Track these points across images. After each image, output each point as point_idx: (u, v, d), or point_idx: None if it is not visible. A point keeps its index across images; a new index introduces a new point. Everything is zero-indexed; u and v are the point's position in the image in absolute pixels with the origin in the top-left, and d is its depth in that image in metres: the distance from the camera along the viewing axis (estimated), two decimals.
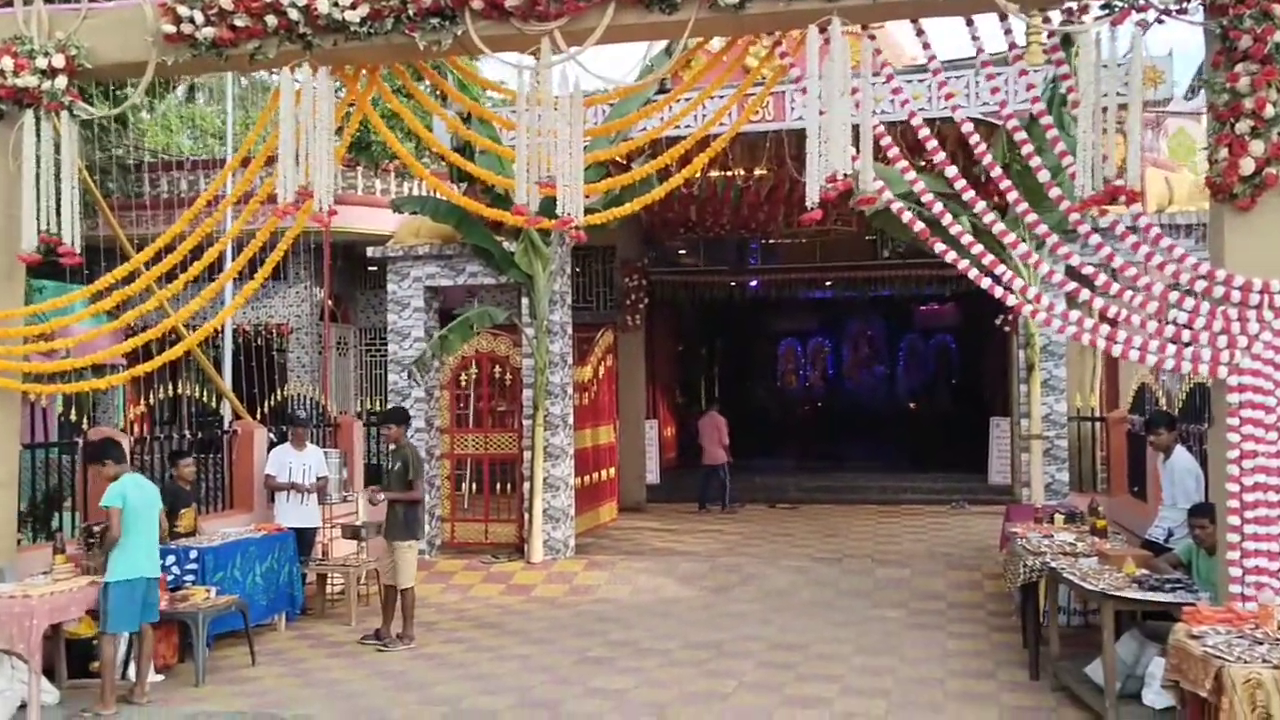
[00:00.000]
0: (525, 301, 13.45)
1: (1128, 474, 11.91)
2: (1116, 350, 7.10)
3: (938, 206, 8.93)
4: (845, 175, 7.53)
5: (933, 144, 8.88)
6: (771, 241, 19.99)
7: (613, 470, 16.42)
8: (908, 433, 28.76)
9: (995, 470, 18.59)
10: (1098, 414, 12.78)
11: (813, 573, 12.49)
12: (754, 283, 29.67)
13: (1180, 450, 8.75)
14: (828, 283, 30.54)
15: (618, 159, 12.64)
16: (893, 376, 35.32)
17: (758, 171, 13.83)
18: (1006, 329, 17.04)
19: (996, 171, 8.68)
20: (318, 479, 11.26)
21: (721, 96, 12.85)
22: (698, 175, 13.70)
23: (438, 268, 13.86)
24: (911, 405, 32.45)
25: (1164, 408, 11.18)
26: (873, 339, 36.00)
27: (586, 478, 14.99)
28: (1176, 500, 8.51)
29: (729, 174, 13.94)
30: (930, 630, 10.21)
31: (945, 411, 30.09)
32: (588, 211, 12.79)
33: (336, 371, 21.73)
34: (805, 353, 36.12)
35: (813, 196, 7.60)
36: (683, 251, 20.44)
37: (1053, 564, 8.01)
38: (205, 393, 12.59)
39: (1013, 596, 9.36)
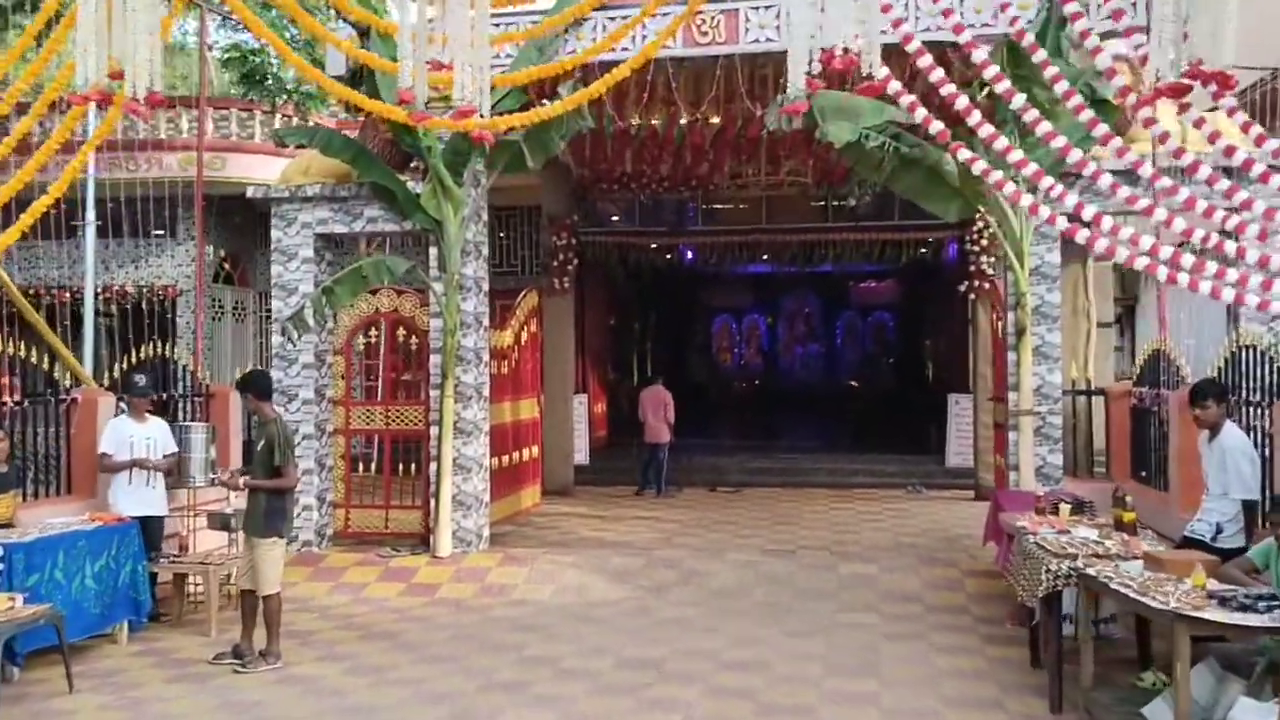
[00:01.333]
0: (434, 252, 11.39)
1: (1130, 456, 10.25)
2: (1205, 287, 5.29)
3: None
4: (847, 50, 5.62)
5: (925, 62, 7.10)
6: (713, 206, 18.08)
7: (536, 449, 14.42)
8: (851, 412, 27.26)
9: (954, 452, 16.94)
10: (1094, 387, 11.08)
11: (764, 568, 10.63)
12: (689, 254, 27.91)
13: (1230, 427, 7.00)
14: (764, 256, 28.96)
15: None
16: (831, 354, 33.97)
17: (704, 110, 11.89)
18: (973, 296, 15.41)
19: (1009, 92, 6.95)
20: (165, 456, 9.13)
21: (666, 14, 10.91)
22: (636, 114, 11.75)
23: (330, 211, 11.71)
24: (853, 384, 30.97)
25: (1184, 378, 9.53)
26: (809, 316, 34.59)
27: (505, 458, 13.00)
28: (1229, 488, 6.78)
29: (671, 108, 11.99)
30: (911, 641, 8.41)
31: (889, 390, 28.61)
32: (504, 150, 10.92)
33: (234, 339, 19.44)
34: (741, 329, 34.60)
35: (798, 80, 5.70)
36: (616, 218, 18.41)
37: (1088, 570, 6.22)
38: (45, 357, 10.34)
39: (1022, 607, 7.58)
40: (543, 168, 15.24)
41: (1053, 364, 10.25)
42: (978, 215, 15.22)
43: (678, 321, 31.63)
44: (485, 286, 11.71)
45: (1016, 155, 7.15)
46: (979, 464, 15.34)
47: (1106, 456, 10.60)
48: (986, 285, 15.25)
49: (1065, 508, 8.43)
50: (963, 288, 15.52)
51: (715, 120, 12.14)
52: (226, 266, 19.49)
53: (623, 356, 25.34)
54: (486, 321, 11.76)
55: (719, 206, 18.25)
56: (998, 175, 7.16)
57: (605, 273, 21.10)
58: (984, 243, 15.26)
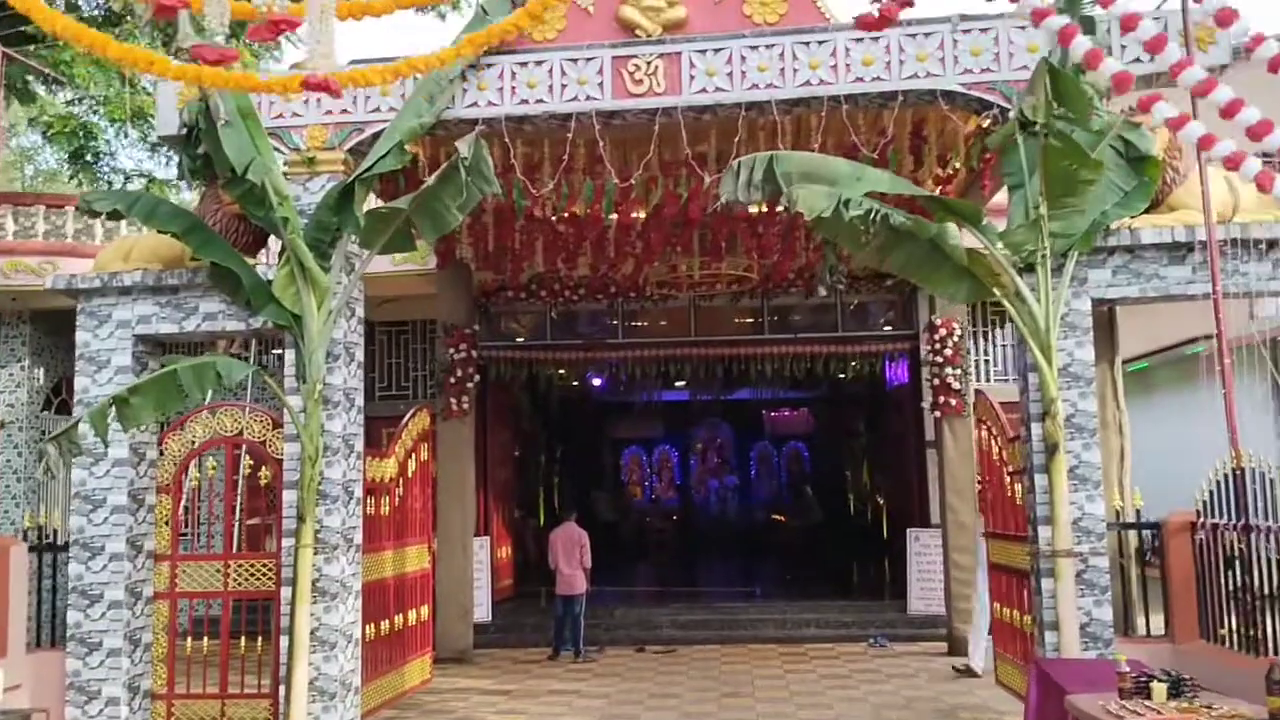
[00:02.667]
0: (290, 357, 8.70)
1: (1197, 609, 7.88)
2: None
3: None
4: None
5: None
6: (634, 324, 15.66)
7: (426, 610, 11.44)
8: (783, 549, 24.83)
9: (917, 596, 14.42)
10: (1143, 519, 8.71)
11: None
12: (598, 381, 25.64)
13: None
14: (689, 374, 26.99)
15: None
16: (747, 487, 31.74)
17: (636, 175, 9.55)
18: (937, 414, 13.18)
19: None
20: None
21: (591, 58, 8.68)
22: (551, 184, 9.39)
23: (155, 306, 8.91)
24: (777, 517, 28.58)
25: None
26: (723, 447, 32.40)
27: (384, 624, 10.06)
28: None
29: (595, 178, 9.61)
30: None
31: (818, 524, 26.22)
32: (384, 222, 8.43)
33: (66, 480, 16.13)
34: (652, 462, 32.19)
35: None
36: (521, 339, 15.83)
37: None
38: None
39: None
40: (441, 264, 12.77)
41: (1092, 490, 7.89)
42: (940, 323, 13.25)
43: (586, 454, 29.09)
44: (358, 401, 9.01)
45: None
46: (952, 612, 12.87)
47: (1166, 609, 8.20)
48: (953, 401, 13.07)
49: (1159, 687, 6.00)
50: (926, 404, 13.31)
51: (653, 190, 9.80)
52: (58, 394, 16.33)
53: (529, 492, 22.55)
54: (360, 447, 9.03)
55: (639, 325, 15.86)
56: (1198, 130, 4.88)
57: (510, 397, 18.47)
58: (948, 351, 13.13)
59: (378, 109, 8.79)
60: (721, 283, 13.64)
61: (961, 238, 7.82)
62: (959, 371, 13.08)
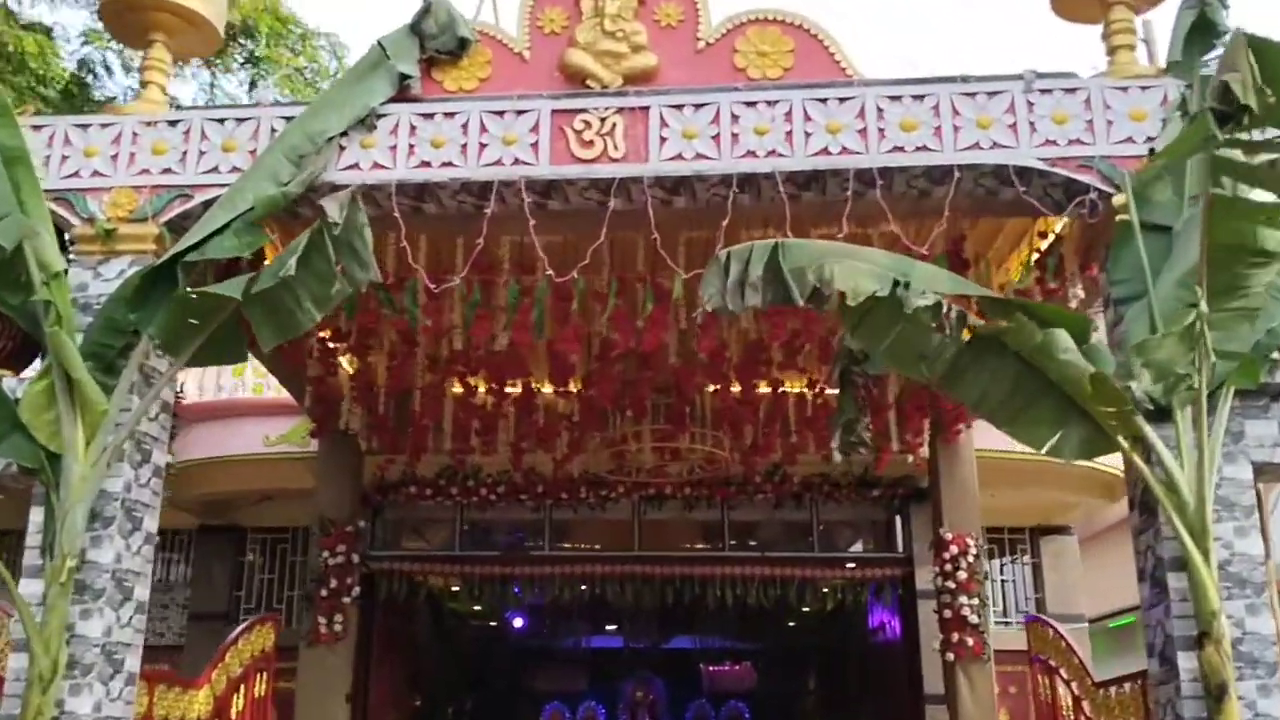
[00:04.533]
0: (40, 518, 5.61)
1: None
2: None
3: None
4: None
5: None
6: (564, 521, 12.59)
7: None
8: None
9: None
10: None
11: None
12: (520, 622, 22.22)
13: None
14: (611, 626, 23.51)
15: None
16: None
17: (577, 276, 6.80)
18: (949, 657, 10.14)
19: None
20: None
21: (525, 110, 6.17)
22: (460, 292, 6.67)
23: None
24: None
25: None
26: (655, 704, 28.54)
27: None
28: None
29: (528, 276, 6.83)
30: None
31: None
32: (202, 312, 5.36)
33: None
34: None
35: None
36: (422, 549, 12.64)
37: None
38: None
39: None
40: (318, 431, 9.72)
41: None
42: (951, 539, 10.43)
43: (500, 707, 25.18)
44: (140, 594, 5.84)
45: None
46: None
47: None
48: (970, 641, 10.08)
49: None
50: (936, 646, 10.28)
51: (598, 312, 7.02)
52: None
53: None
54: (136, 665, 5.80)
55: (571, 538, 12.82)
56: None
57: (408, 627, 15.00)
58: (961, 575, 10.24)
59: (215, 169, 6.12)
60: (680, 472, 10.71)
61: None
62: (976, 602, 10.16)
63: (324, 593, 10.13)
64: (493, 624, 22.42)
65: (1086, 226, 5.95)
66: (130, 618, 5.74)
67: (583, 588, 12.33)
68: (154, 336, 5.57)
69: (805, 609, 17.56)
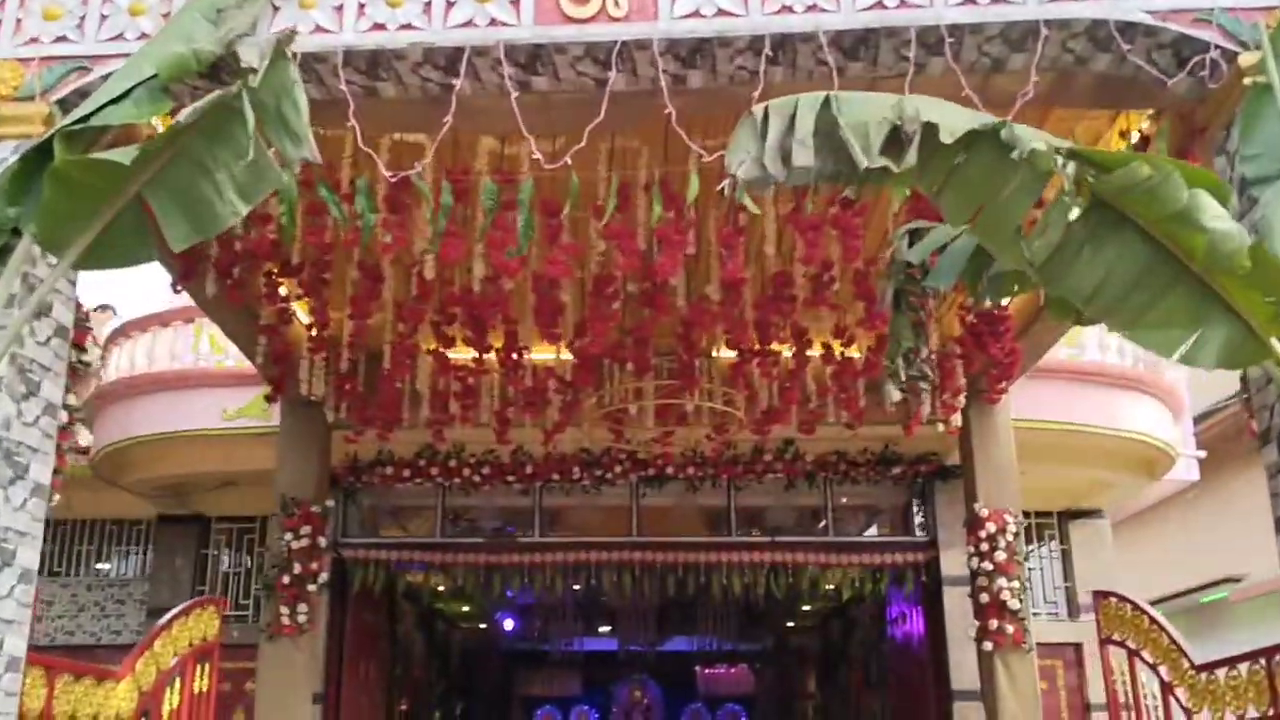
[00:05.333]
0: None
1: None
2: None
3: None
4: None
5: None
6: (554, 508, 11.33)
7: None
8: None
9: None
10: None
11: None
12: (510, 624, 20.97)
13: None
14: (605, 627, 22.24)
15: None
16: None
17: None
18: (988, 646, 8.91)
19: None
20: None
21: None
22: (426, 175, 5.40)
23: None
24: None
25: None
26: (649, 709, 27.28)
27: None
28: None
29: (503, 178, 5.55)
30: None
31: None
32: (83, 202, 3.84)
33: None
34: None
35: None
36: (400, 537, 11.34)
37: None
38: None
39: None
40: (274, 394, 8.41)
41: None
42: (988, 515, 9.19)
43: (492, 712, 23.92)
44: (27, 560, 4.59)
45: None
46: None
47: None
48: (1010, 628, 8.84)
49: None
50: (971, 633, 9.04)
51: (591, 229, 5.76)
52: None
53: None
54: (22, 649, 4.55)
55: (564, 525, 11.55)
56: None
57: (382, 622, 13.69)
58: (1000, 556, 9.01)
59: (120, 36, 4.88)
60: (683, 451, 9.41)
61: None
62: (1016, 585, 8.93)
63: (286, 579, 8.84)
64: (482, 625, 21.18)
65: (1189, 112, 4.78)
66: (12, 588, 4.48)
67: (575, 585, 11.07)
68: (34, 231, 4.32)
69: (815, 601, 16.46)
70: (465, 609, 19.32)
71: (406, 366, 7.42)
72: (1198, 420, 12.81)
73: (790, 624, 20.98)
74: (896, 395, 5.05)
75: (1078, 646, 11.45)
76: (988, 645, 8.81)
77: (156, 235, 4.32)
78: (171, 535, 12.08)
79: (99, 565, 12.77)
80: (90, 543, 12.72)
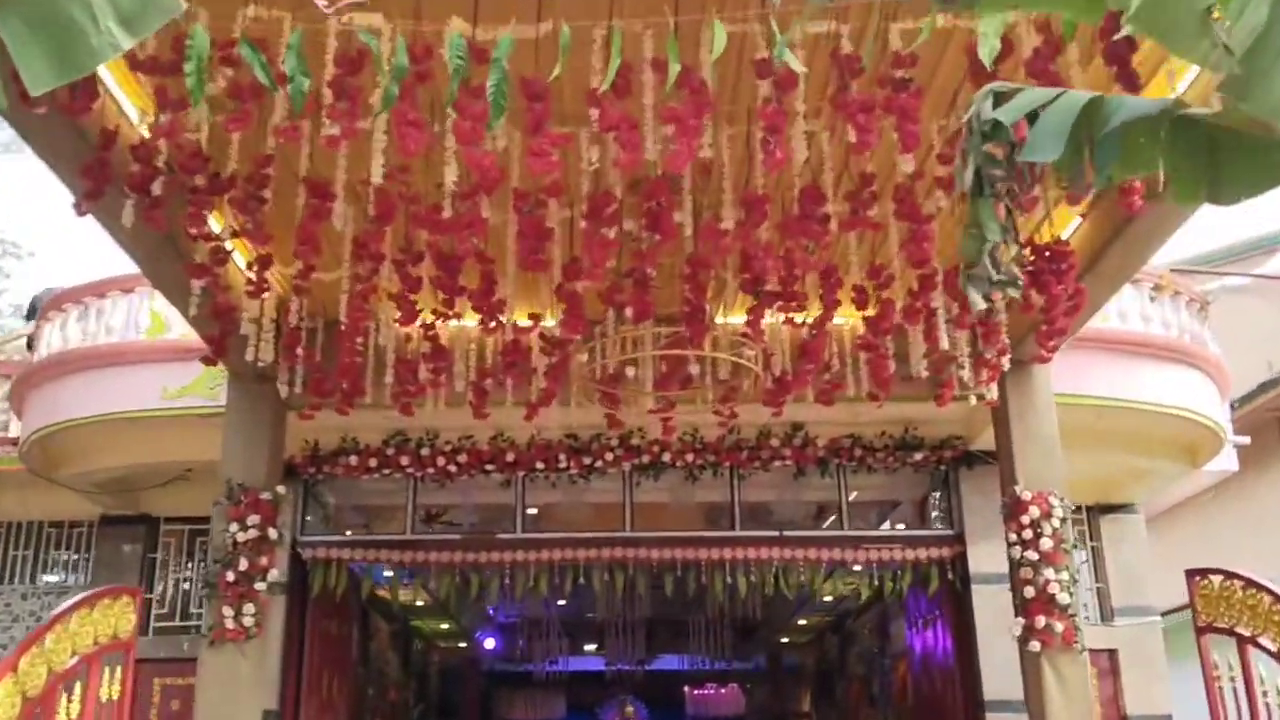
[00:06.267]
0: None
1: None
2: None
3: None
4: None
5: None
6: (540, 506, 10.09)
7: None
8: None
9: None
10: None
11: None
12: (492, 643, 19.71)
13: None
14: (590, 646, 20.98)
15: None
16: None
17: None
18: (1034, 646, 7.73)
19: None
20: None
21: None
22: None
23: None
24: None
25: None
26: None
27: None
28: None
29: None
30: None
31: None
32: None
33: None
34: None
35: None
36: (368, 539, 9.99)
37: None
38: None
39: None
40: (214, 355, 7.05)
41: None
42: (1031, 498, 8.01)
43: None
44: None
45: None
46: None
47: None
48: (1059, 625, 7.66)
49: None
50: (1016, 631, 7.84)
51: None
52: None
53: None
54: None
55: (542, 532, 10.28)
56: None
57: (364, 642, 12.40)
58: (1046, 545, 7.83)
59: None
60: (686, 432, 8.21)
61: None
62: (1065, 577, 7.75)
63: (230, 576, 7.58)
64: (462, 645, 19.88)
65: None
66: None
67: (562, 587, 9.81)
68: None
69: (818, 613, 15.33)
70: (444, 626, 18.06)
71: (366, 315, 6.20)
72: (1232, 406, 11.72)
73: (784, 639, 19.84)
74: (981, 302, 3.88)
75: (1112, 653, 10.31)
76: (1034, 646, 7.62)
77: (11, 78, 3.12)
78: (116, 537, 10.79)
79: (44, 576, 11.45)
80: (26, 547, 11.40)
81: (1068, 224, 6.84)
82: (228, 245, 5.90)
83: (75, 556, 11.31)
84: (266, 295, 6.24)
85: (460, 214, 5.16)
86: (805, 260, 5.20)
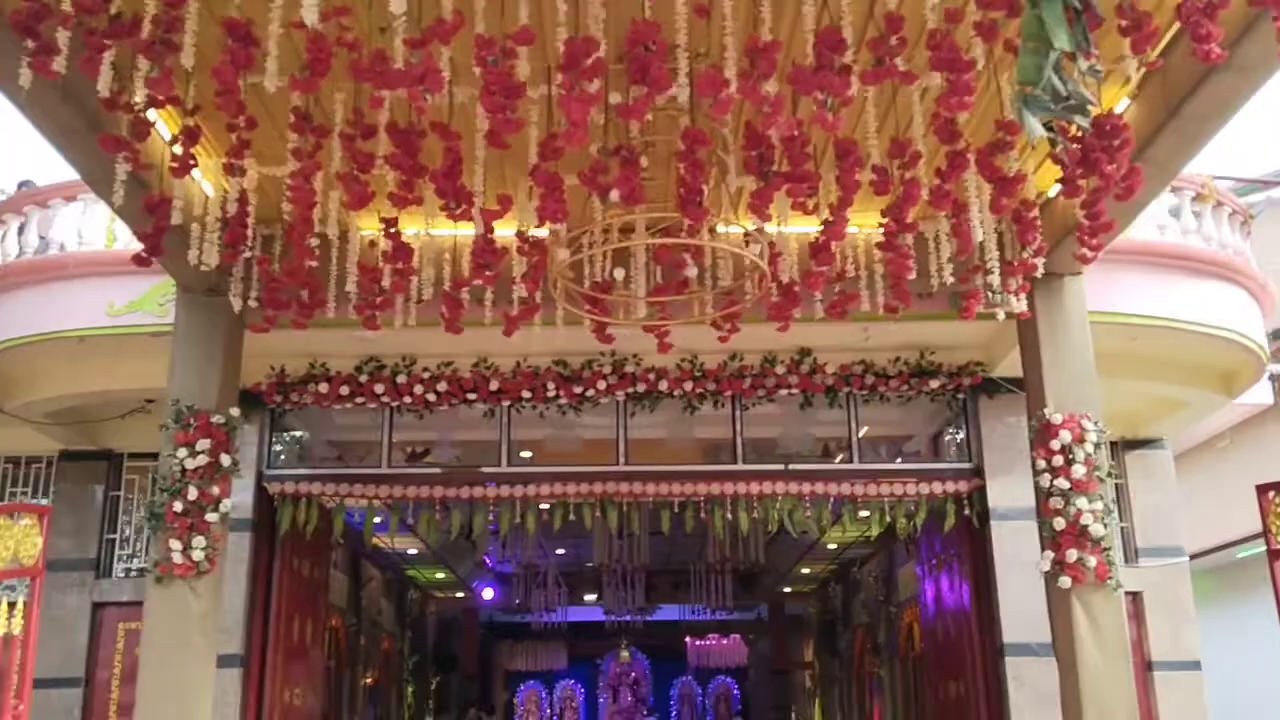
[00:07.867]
0: None
1: None
2: None
3: None
4: None
5: None
6: (526, 441, 9.21)
7: None
8: None
9: None
10: None
11: None
12: (490, 593, 18.99)
13: None
14: (590, 595, 20.26)
15: None
16: None
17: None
18: (1065, 583, 6.87)
19: None
20: None
21: None
22: None
23: None
24: None
25: None
26: (638, 682, 25.38)
27: None
28: None
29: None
30: None
31: None
32: None
33: None
34: (554, 700, 25.05)
35: None
36: (340, 472, 9.09)
37: None
38: None
39: None
40: (148, 255, 6.04)
41: None
42: (1063, 421, 7.12)
43: (471, 688, 21.93)
44: None
45: None
46: None
47: None
48: (1092, 560, 6.80)
49: None
50: (1045, 565, 6.95)
51: None
52: None
53: None
54: None
55: (528, 466, 9.39)
56: None
57: (351, 590, 11.61)
58: (1078, 472, 6.95)
59: None
60: (687, 334, 7.34)
61: None
62: (1099, 506, 6.89)
63: (178, 506, 6.72)
64: (459, 595, 19.15)
65: None
66: None
67: (551, 523, 8.97)
68: None
69: (825, 560, 14.61)
70: (439, 575, 17.33)
71: (313, 200, 5.27)
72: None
73: (787, 589, 19.12)
74: (1040, 130, 2.99)
75: (1136, 596, 9.48)
76: (1064, 582, 6.77)
77: None
78: (75, 474, 9.92)
79: None
80: None
81: (1115, 104, 5.90)
82: (150, 116, 4.98)
83: (35, 494, 10.45)
84: (198, 178, 5.31)
85: (412, 66, 4.24)
86: (822, 119, 4.27)
